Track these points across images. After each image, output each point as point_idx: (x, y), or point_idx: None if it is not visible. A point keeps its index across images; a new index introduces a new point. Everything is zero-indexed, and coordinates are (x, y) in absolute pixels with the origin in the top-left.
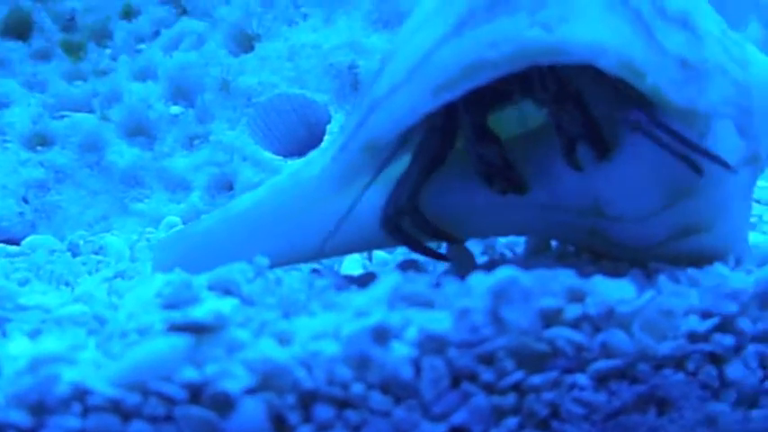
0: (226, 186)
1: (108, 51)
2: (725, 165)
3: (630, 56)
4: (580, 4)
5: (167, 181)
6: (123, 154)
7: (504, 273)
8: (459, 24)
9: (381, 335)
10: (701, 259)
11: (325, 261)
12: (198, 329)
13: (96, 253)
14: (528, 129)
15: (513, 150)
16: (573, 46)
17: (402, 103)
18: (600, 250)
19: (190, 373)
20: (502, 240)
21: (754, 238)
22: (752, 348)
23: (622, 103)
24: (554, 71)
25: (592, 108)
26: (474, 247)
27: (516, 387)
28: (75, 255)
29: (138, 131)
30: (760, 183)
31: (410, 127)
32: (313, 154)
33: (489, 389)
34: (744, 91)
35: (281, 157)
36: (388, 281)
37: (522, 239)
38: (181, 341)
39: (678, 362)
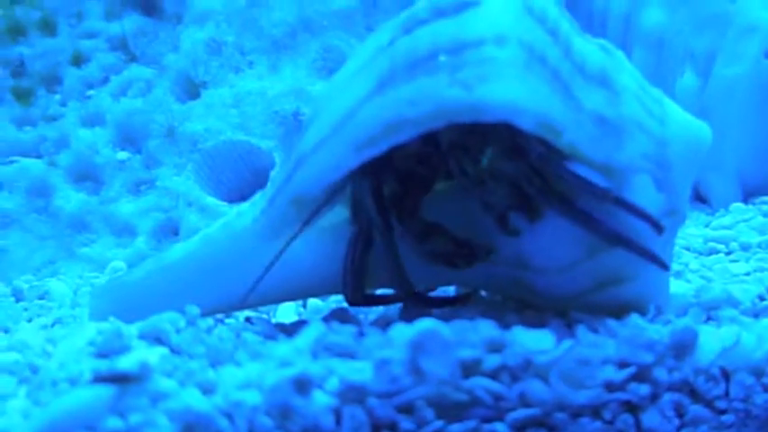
0: (171, 231)
1: (57, 97)
2: (657, 226)
3: (547, 114)
4: (499, 64)
5: (113, 226)
6: (70, 199)
7: (424, 324)
8: (380, 83)
9: (303, 385)
10: (621, 309)
11: (260, 308)
12: (122, 379)
13: (41, 298)
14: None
15: (435, 207)
16: (491, 105)
17: (327, 159)
18: (525, 299)
19: (114, 423)
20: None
21: (677, 286)
22: (667, 397)
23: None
24: (470, 153)
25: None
26: None
27: None
28: (18, 300)
29: (86, 177)
30: (691, 231)
31: (335, 182)
32: (244, 206)
33: None
34: (661, 146)
35: (225, 203)
36: (312, 331)
37: (451, 288)
38: (105, 391)
39: (595, 410)
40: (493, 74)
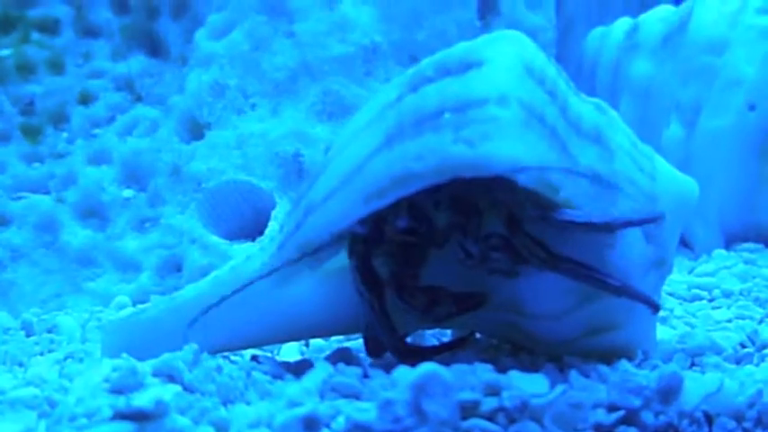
0: (174, 268)
1: (65, 135)
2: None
3: (545, 171)
4: (501, 123)
5: (118, 261)
6: (77, 235)
7: (426, 368)
8: (389, 138)
9: (312, 423)
10: (611, 355)
11: (265, 347)
12: (140, 416)
13: (49, 331)
14: None
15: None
16: (493, 161)
17: (336, 208)
18: (519, 343)
19: None
20: (429, 331)
21: (663, 332)
22: None
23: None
24: (468, 232)
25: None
26: None
27: None
28: (28, 333)
29: (92, 213)
30: (675, 276)
31: (343, 230)
32: (253, 250)
33: None
34: (651, 200)
35: (227, 241)
36: (320, 372)
37: (448, 331)
38: (124, 427)
39: None
40: (495, 132)
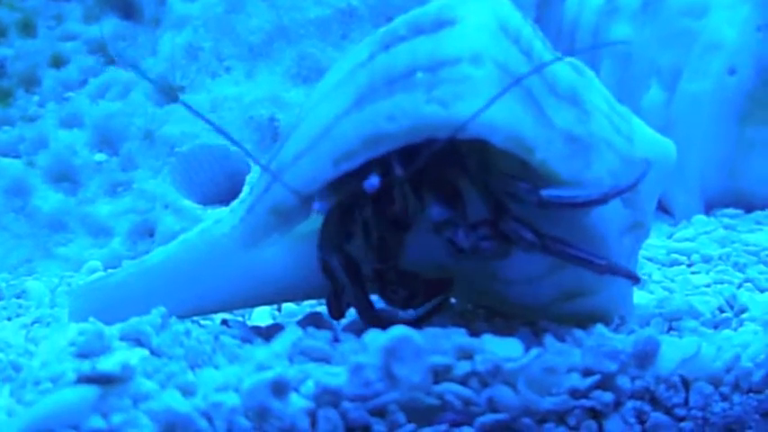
0: (147, 233)
1: (36, 98)
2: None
3: (520, 132)
4: (474, 83)
5: (90, 226)
6: (48, 199)
7: (397, 331)
8: (359, 98)
9: (280, 387)
10: (587, 319)
11: (235, 311)
12: (105, 380)
13: (18, 297)
14: None
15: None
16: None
17: (305, 170)
18: (494, 308)
19: (97, 423)
20: None
21: (641, 297)
22: (630, 405)
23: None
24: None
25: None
26: (378, 302)
27: None
28: None
29: (63, 177)
30: (654, 242)
31: (312, 193)
32: (222, 213)
33: None
34: (628, 163)
35: (200, 206)
36: (289, 336)
37: None
38: (88, 391)
39: (560, 416)
40: (468, 92)
